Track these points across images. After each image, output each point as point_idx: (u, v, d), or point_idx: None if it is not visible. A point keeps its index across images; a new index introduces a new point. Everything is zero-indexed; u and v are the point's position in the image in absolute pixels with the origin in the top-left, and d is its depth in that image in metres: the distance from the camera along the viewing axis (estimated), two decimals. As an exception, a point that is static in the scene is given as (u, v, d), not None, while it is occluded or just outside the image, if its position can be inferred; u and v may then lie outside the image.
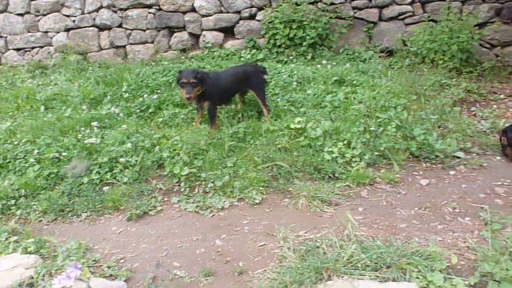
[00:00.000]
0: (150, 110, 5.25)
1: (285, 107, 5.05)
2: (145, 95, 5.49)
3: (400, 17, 7.02)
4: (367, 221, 3.32)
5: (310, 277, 2.53)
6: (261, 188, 3.87)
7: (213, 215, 3.62)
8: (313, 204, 3.58)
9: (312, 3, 7.10)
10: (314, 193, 3.69)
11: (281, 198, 3.78)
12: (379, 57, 6.84)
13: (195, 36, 7.65)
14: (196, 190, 3.95)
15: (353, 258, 2.67)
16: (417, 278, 2.48)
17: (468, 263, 2.72)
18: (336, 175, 3.98)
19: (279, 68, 6.19)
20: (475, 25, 6.59)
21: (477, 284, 2.52)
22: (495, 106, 5.42)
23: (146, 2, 7.59)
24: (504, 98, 5.66)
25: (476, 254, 2.77)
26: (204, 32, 7.55)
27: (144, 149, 4.32)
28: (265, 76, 5.12)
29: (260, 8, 7.31)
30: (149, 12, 7.66)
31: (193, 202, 3.80)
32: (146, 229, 3.49)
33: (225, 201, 3.75)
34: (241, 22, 7.40)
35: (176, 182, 4.03)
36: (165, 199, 3.90)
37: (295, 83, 5.61)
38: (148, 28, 7.75)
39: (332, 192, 3.74)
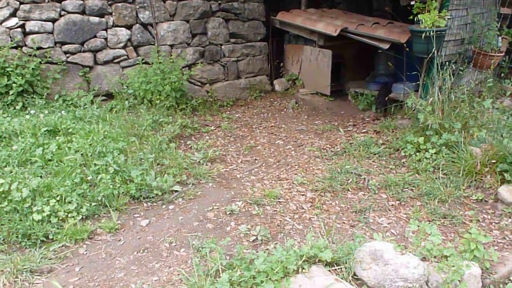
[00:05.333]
0: None
1: (-16, 170, 4.30)
2: None
3: (116, 60, 7.11)
4: (83, 281, 3.08)
5: None
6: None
7: None
8: (21, 279, 3.09)
9: (15, 48, 6.41)
10: (21, 265, 3.20)
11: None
12: (102, 101, 6.74)
13: None
14: None
15: (56, 333, 2.39)
16: (127, 330, 2.41)
17: (180, 295, 2.84)
18: (50, 236, 3.60)
19: (-23, 123, 5.29)
20: (184, 66, 7.32)
21: (186, 315, 2.63)
22: (207, 137, 6.08)
23: None
24: (215, 129, 6.43)
25: (186, 285, 2.92)
26: None
27: None
28: None
29: None
30: None
31: None
32: None
33: None
34: None
35: None
36: None
37: (-4, 139, 4.88)
38: None
39: (45, 258, 3.34)
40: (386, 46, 6.60)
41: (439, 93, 5.61)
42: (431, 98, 5.57)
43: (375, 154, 5.52)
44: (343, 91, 8.08)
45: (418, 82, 6.19)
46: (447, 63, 5.81)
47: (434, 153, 5.26)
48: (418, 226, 3.50)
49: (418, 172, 5.09)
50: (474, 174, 4.82)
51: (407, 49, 5.99)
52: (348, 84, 8.08)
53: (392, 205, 4.50)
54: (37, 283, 3.08)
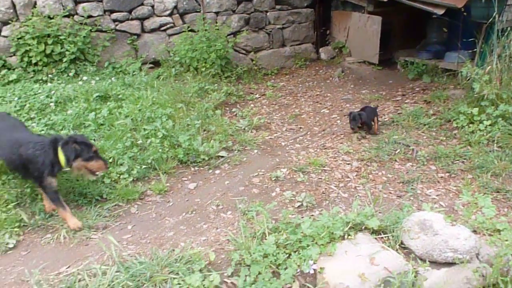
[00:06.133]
0: None
1: (43, 132, 4.54)
2: None
3: (162, 28, 7.19)
4: (135, 238, 3.23)
5: (64, 319, 2.28)
6: (16, 229, 3.36)
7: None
8: (79, 234, 3.29)
9: (67, 16, 6.61)
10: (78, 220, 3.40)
11: (42, 235, 3.36)
12: (149, 68, 6.87)
13: None
14: None
15: (113, 282, 2.54)
16: (178, 284, 2.52)
17: (227, 255, 2.92)
18: (104, 196, 3.78)
19: (36, 88, 5.56)
20: (229, 34, 7.28)
21: (234, 273, 2.72)
22: (252, 105, 6.09)
23: None
24: (259, 97, 6.42)
25: (234, 245, 2.99)
26: None
27: None
28: None
29: (5, 23, 6.42)
30: None
31: None
32: None
33: (-33, 257, 3.11)
34: (-17, 39, 6.36)
35: None
36: None
37: (53, 103, 5.11)
38: None
39: (100, 216, 3.53)
40: (441, 11, 6.22)
41: (498, 62, 5.27)
42: (489, 67, 5.25)
43: (425, 124, 5.32)
44: (391, 60, 7.77)
45: (473, 50, 5.84)
46: (508, 28, 5.42)
47: (489, 125, 5.00)
48: (471, 197, 3.37)
49: (470, 144, 4.88)
50: (532, 148, 4.56)
51: (464, 13, 5.62)
52: (397, 53, 7.76)
53: (442, 177, 4.36)
54: (93, 238, 3.26)
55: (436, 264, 2.88)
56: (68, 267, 2.91)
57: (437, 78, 6.69)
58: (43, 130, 4.60)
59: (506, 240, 3.07)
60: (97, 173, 3.50)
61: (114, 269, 2.64)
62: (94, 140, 4.42)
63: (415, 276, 2.75)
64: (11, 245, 3.22)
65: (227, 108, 5.82)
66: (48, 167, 3.30)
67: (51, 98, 5.28)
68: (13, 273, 2.92)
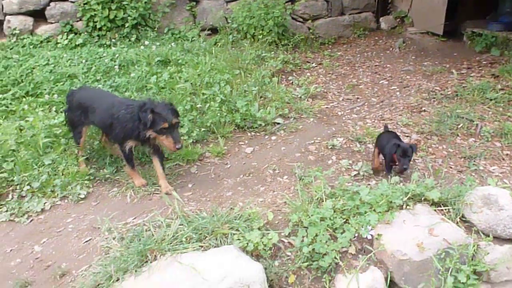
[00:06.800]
0: None
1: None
2: None
3: (221, -6, 7.19)
4: (196, 196, 3.38)
5: (134, 262, 2.46)
6: (86, 182, 3.62)
7: (31, 220, 3.25)
8: (143, 190, 3.49)
9: (130, -18, 6.77)
10: (143, 178, 3.60)
11: (109, 189, 3.59)
12: (207, 35, 6.94)
13: (-3, 22, 6.65)
14: (10, 196, 3.48)
15: (178, 234, 2.69)
16: (238, 239, 2.62)
17: (284, 217, 2.99)
18: (166, 155, 3.94)
19: (100, 52, 5.81)
20: (287, 1, 7.16)
21: (291, 234, 2.79)
22: (308, 74, 6.02)
23: None
24: (316, 66, 6.33)
25: (291, 208, 3.05)
26: (8, 17, 6.60)
27: None
28: None
29: (72, -11, 6.69)
30: None
31: (6, 211, 3.34)
32: None
33: (45, 203, 3.41)
34: (52, 4, 6.66)
35: (-19, 192, 3.49)
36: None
37: (117, 67, 5.33)
38: None
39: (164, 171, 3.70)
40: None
41: None
42: None
43: (491, 99, 5.04)
44: (457, 31, 7.33)
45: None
46: None
47: None
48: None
49: (542, 122, 4.59)
50: None
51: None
52: (464, 24, 7.30)
53: (507, 154, 4.15)
54: (156, 193, 3.45)
55: (499, 240, 2.80)
56: (134, 218, 3.11)
57: (508, 51, 6.25)
58: (108, 91, 4.82)
59: None
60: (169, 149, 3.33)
61: (178, 222, 2.79)
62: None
63: (475, 250, 2.69)
64: (82, 196, 3.48)
65: (284, 76, 5.79)
66: (130, 130, 3.28)
67: (115, 61, 5.51)
68: (86, 220, 3.17)
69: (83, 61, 5.54)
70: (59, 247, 2.92)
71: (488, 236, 2.74)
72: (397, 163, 3.57)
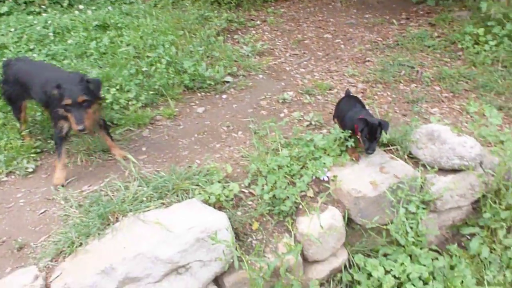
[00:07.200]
0: None
1: (45, 62, 4.49)
2: None
3: (156, -46, 6.83)
4: (151, 158, 3.32)
5: (96, 226, 2.42)
6: (33, 155, 3.44)
7: (-24, 200, 3.07)
8: (94, 157, 3.38)
9: None
10: (93, 146, 3.47)
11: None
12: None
13: None
14: None
15: (137, 194, 2.66)
16: (199, 194, 2.64)
17: (242, 169, 3.03)
18: (115, 122, 3.82)
19: (30, 20, 5.40)
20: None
21: (251, 184, 2.84)
22: (253, 31, 5.96)
23: None
24: (260, 24, 6.26)
25: (248, 160, 3.09)
26: None
27: None
28: None
29: (-10, -49, 6.09)
30: None
31: None
32: None
33: (-11, 180, 3.21)
34: (-31, -31, 6.06)
35: None
36: None
37: (51, 34, 5.00)
38: None
39: (114, 140, 3.58)
40: None
41: (506, -21, 5.14)
42: (497, -16, 5.13)
43: (429, 47, 5.29)
44: (394, -16, 7.50)
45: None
46: None
47: (495, 45, 4.99)
48: (478, 108, 3.46)
49: (475, 65, 4.90)
50: (536, 66, 4.59)
51: None
52: (400, -24, 7.48)
53: (446, 96, 4.42)
54: (110, 160, 3.35)
55: (443, 171, 3.02)
56: (90, 186, 3.02)
57: (442, 1, 6.53)
58: (45, 60, 4.54)
59: (509, 150, 3.18)
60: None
61: (136, 184, 2.75)
62: (100, 67, 4.37)
63: (423, 182, 2.90)
64: (30, 170, 3.30)
65: (229, 35, 5.70)
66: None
67: (48, 28, 5.15)
68: (38, 193, 3.03)
69: (12, 29, 5.13)
70: (13, 222, 2.78)
71: (434, 168, 2.95)
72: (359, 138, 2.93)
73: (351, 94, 3.66)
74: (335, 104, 4.16)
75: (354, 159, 2.98)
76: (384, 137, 3.12)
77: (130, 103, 4.02)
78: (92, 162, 3.33)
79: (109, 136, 3.34)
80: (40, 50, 4.75)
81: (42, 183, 3.16)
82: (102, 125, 3.29)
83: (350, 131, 2.97)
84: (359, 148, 3.04)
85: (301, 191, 2.74)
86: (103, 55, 4.68)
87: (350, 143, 2.93)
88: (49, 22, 5.26)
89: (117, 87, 4.06)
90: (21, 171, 3.29)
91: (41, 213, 2.82)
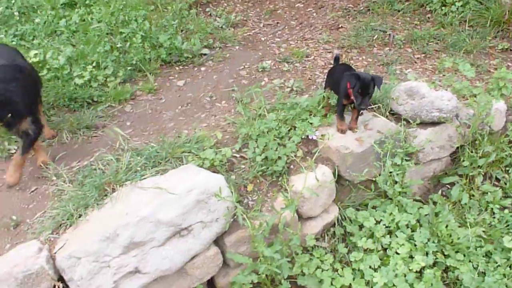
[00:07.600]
0: None
1: (14, 43, 4.33)
2: None
3: None
4: (137, 132, 3.32)
5: (94, 197, 2.42)
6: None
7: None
8: (79, 134, 3.33)
9: None
10: (76, 123, 3.42)
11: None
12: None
13: None
14: None
15: (131, 165, 2.67)
16: (193, 160, 2.68)
17: (231, 135, 3.08)
18: (95, 99, 3.76)
19: (-9, 0, 5.16)
20: None
21: (242, 148, 2.89)
22: (225, 4, 5.91)
23: None
24: (232, -4, 6.21)
25: (236, 126, 3.14)
26: None
27: None
28: None
29: None
30: None
31: None
32: None
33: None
34: None
35: None
36: None
37: (17, 13, 4.80)
38: None
39: (96, 117, 3.54)
40: None
41: None
42: None
43: (399, 11, 5.41)
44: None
45: None
46: None
47: (461, 6, 5.16)
48: (452, 63, 3.61)
49: (444, 26, 5.06)
50: (502, 24, 4.80)
51: None
52: None
53: (418, 58, 4.56)
54: (95, 136, 3.32)
55: (423, 124, 3.17)
56: (79, 162, 2.99)
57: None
58: (13, 41, 4.38)
59: (482, 102, 3.36)
60: None
61: (128, 155, 2.75)
62: (73, 45, 4.26)
63: (406, 136, 3.03)
64: (13, 151, 3.23)
65: (201, 8, 5.63)
66: None
67: (12, 8, 4.94)
68: (25, 173, 2.97)
69: (-29, 11, 4.90)
70: (3, 202, 2.74)
71: (415, 121, 3.08)
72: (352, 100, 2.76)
73: (343, 63, 3.56)
74: (312, 70, 4.26)
75: (341, 132, 2.90)
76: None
77: (108, 79, 3.96)
78: (77, 139, 3.29)
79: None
80: (6, 31, 4.57)
81: (28, 163, 3.10)
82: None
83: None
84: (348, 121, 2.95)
85: (292, 151, 2.82)
86: (74, 33, 4.55)
87: (333, 100, 3.04)
88: (13, 1, 5.03)
89: (94, 64, 3.98)
90: (3, 153, 3.22)
91: (32, 191, 2.79)
